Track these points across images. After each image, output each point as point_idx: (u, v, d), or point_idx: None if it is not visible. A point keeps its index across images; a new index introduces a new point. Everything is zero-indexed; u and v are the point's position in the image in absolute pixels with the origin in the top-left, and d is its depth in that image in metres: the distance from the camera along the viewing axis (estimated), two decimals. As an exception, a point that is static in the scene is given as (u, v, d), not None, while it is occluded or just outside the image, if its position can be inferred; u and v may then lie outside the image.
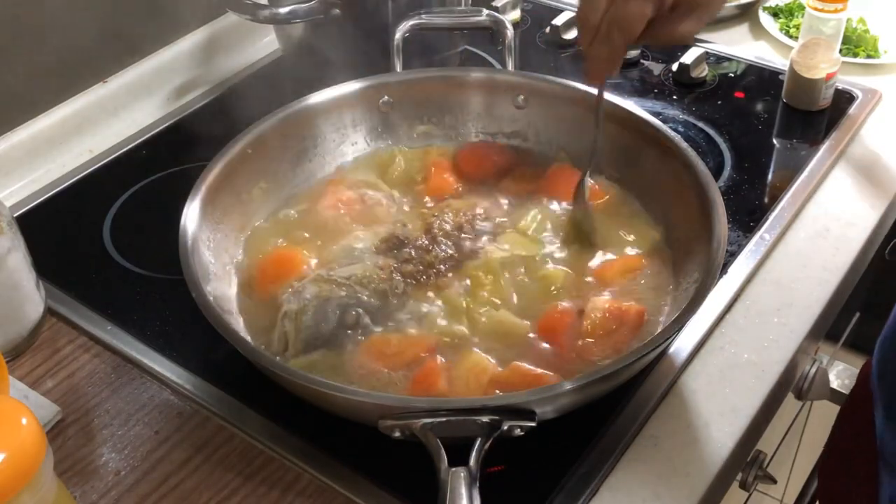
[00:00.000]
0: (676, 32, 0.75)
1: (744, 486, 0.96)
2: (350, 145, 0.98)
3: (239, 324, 0.79)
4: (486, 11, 1.00)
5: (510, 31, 0.99)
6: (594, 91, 0.85)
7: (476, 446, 0.63)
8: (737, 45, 1.24)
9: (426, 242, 0.85)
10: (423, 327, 0.79)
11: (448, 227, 0.87)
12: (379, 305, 0.80)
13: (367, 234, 0.87)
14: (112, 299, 0.88)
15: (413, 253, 0.84)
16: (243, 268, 0.85)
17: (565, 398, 0.68)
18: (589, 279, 0.83)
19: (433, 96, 0.99)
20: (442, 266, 0.83)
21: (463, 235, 0.86)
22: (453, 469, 0.61)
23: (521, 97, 0.97)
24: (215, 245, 0.82)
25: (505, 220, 0.89)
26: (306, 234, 0.89)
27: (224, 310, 0.76)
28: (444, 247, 0.85)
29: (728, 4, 1.27)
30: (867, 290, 1.35)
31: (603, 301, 0.79)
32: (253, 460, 0.74)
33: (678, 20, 0.74)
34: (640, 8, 0.72)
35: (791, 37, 1.22)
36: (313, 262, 0.85)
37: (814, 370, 0.99)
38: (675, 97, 1.14)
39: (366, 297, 0.80)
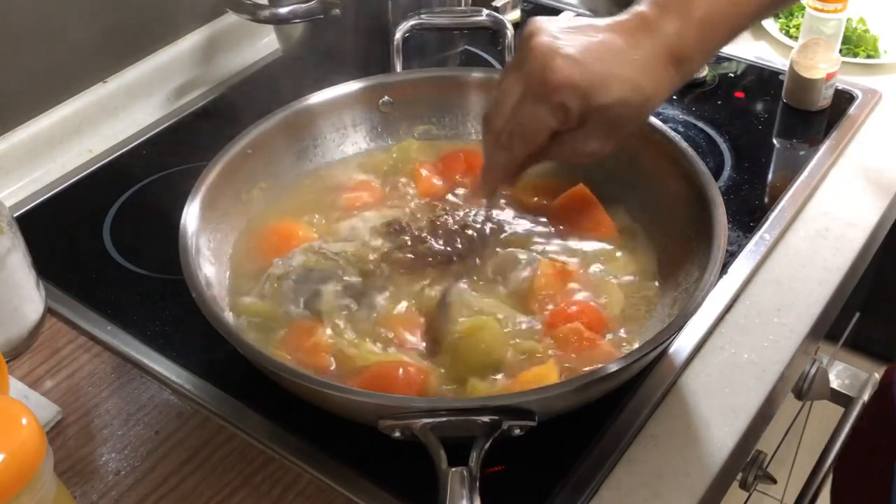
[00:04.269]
0: (582, 150, 0.71)
1: (744, 486, 0.96)
2: (350, 145, 0.98)
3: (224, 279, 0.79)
4: (486, 11, 1.00)
5: (510, 31, 0.99)
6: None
7: (476, 446, 0.63)
8: (737, 45, 1.24)
9: (425, 234, 0.85)
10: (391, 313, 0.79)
11: (451, 223, 0.87)
12: (359, 284, 0.81)
13: (375, 215, 0.88)
14: (112, 299, 0.88)
15: (409, 241, 0.84)
16: (248, 228, 0.88)
17: (565, 398, 0.68)
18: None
19: (433, 96, 0.99)
20: (431, 259, 0.83)
21: (466, 233, 0.86)
22: (453, 469, 0.61)
23: (521, 97, 0.97)
24: (215, 245, 0.82)
25: (508, 231, 0.88)
26: (319, 205, 0.91)
27: (224, 310, 0.76)
28: (440, 242, 0.85)
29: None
30: (867, 290, 1.35)
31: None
32: (253, 460, 0.74)
33: (585, 138, 0.70)
34: (543, 118, 0.68)
35: (791, 37, 1.22)
36: (314, 234, 0.87)
37: (814, 370, 0.99)
38: (675, 97, 1.14)
39: (348, 275, 0.81)
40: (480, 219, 0.87)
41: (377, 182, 0.94)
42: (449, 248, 0.84)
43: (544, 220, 0.89)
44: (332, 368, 0.75)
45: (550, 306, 0.79)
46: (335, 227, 0.88)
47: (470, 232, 0.86)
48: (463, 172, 0.95)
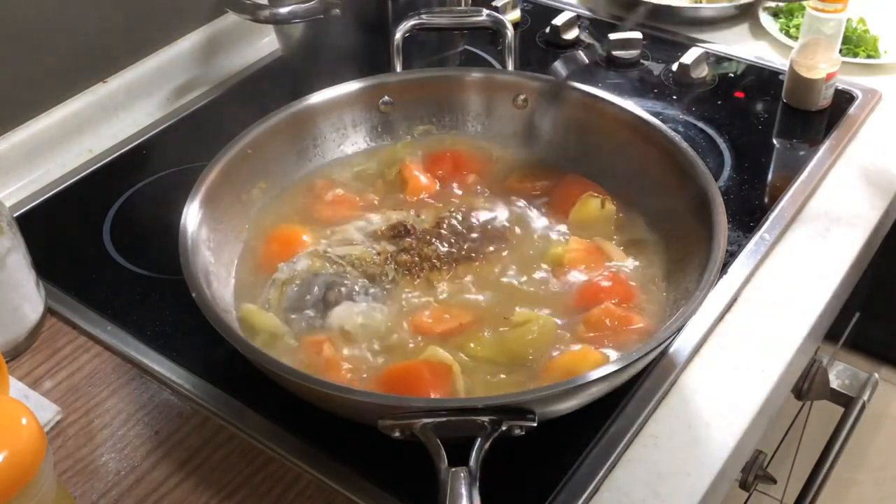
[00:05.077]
0: None
1: (744, 486, 0.96)
2: (350, 145, 0.98)
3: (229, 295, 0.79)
4: (486, 11, 1.01)
5: (510, 31, 0.99)
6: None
7: (476, 446, 0.63)
8: (737, 45, 1.24)
9: (429, 236, 0.85)
10: (395, 318, 0.79)
11: (457, 224, 0.87)
12: (365, 288, 0.81)
13: (380, 217, 0.88)
14: (112, 299, 0.88)
15: (414, 243, 0.84)
16: (251, 237, 0.88)
17: (565, 398, 0.68)
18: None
19: (433, 96, 0.99)
20: (437, 261, 0.83)
21: (472, 235, 0.86)
22: (453, 469, 0.61)
23: (521, 97, 0.97)
24: (215, 245, 0.82)
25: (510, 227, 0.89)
26: (324, 209, 0.91)
27: (224, 310, 0.76)
28: (445, 243, 0.85)
29: (728, 4, 1.28)
30: (867, 290, 1.35)
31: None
32: (253, 460, 0.74)
33: None
34: None
35: (791, 37, 1.22)
36: (320, 238, 0.87)
37: (814, 370, 0.99)
38: (675, 97, 1.14)
39: (353, 279, 0.81)
40: (485, 218, 0.88)
41: (380, 184, 0.94)
42: (454, 250, 0.85)
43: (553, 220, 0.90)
44: (351, 376, 0.75)
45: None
46: (339, 230, 0.88)
47: (476, 232, 0.86)
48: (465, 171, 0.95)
